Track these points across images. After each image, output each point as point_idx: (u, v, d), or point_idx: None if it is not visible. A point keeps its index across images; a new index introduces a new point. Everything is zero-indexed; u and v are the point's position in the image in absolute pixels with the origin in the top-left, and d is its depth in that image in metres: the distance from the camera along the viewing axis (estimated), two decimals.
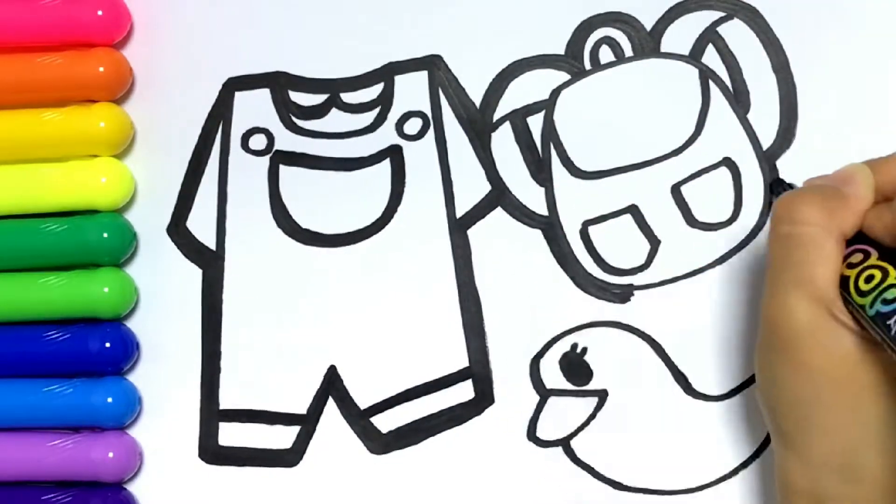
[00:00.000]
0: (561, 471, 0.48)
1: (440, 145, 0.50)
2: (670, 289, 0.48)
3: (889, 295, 0.38)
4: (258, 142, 0.51)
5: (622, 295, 0.49)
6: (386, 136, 0.50)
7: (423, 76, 0.50)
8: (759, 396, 0.42)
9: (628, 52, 0.49)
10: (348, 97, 0.51)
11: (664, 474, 0.48)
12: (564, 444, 0.49)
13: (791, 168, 0.48)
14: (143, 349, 0.51)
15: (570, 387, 0.49)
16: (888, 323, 0.37)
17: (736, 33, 0.48)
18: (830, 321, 0.39)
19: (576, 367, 0.49)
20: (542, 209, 0.49)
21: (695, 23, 0.49)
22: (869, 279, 0.39)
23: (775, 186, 0.46)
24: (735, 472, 0.48)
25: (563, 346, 0.49)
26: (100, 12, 0.50)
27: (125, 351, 0.50)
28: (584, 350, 0.49)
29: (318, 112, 0.51)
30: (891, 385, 0.38)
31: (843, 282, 0.39)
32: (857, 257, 0.40)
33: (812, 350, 0.39)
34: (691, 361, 0.48)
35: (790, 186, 0.45)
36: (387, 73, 0.50)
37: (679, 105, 0.49)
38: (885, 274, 0.38)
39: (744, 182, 0.48)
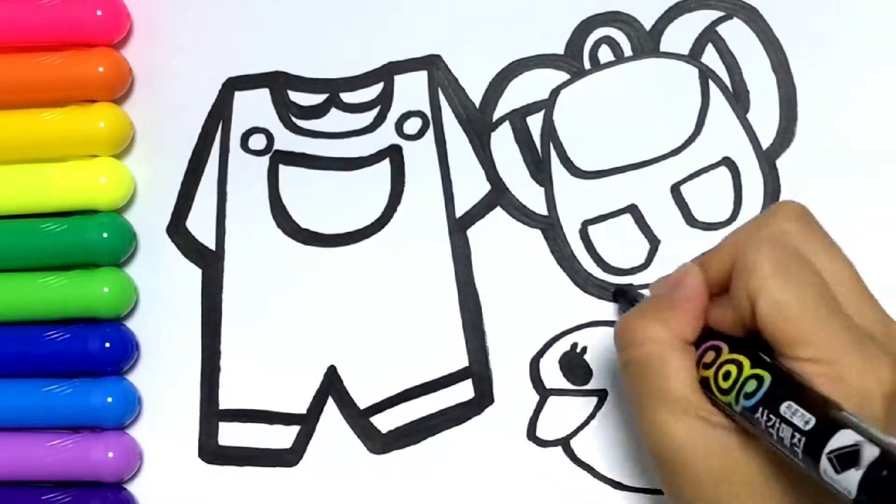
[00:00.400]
0: (561, 470, 0.48)
1: (440, 145, 0.50)
2: None
3: (749, 388, 0.37)
4: (258, 142, 0.51)
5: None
6: (385, 135, 0.50)
7: (422, 76, 0.50)
8: None
9: (628, 51, 0.49)
10: (348, 97, 0.51)
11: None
12: (564, 443, 0.49)
13: (791, 168, 0.48)
14: (142, 349, 0.51)
15: (569, 386, 0.49)
16: (756, 417, 0.36)
17: (735, 33, 0.48)
18: (703, 426, 0.38)
19: (575, 367, 0.49)
20: (541, 209, 0.49)
21: (694, 22, 0.49)
22: (726, 376, 0.38)
23: (617, 296, 0.47)
24: None
25: (562, 346, 0.49)
26: (99, 12, 0.50)
27: (125, 351, 0.50)
28: (584, 350, 0.49)
29: (317, 112, 0.51)
30: (777, 469, 0.37)
31: (704, 383, 0.39)
32: (710, 356, 0.39)
33: (696, 460, 0.38)
34: None
35: (629, 296, 0.45)
36: (386, 73, 0.50)
37: (679, 105, 0.49)
38: (740, 367, 0.38)
39: (743, 182, 0.48)
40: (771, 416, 0.36)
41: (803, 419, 0.35)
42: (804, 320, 0.37)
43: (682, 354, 0.39)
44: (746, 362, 0.38)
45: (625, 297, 0.47)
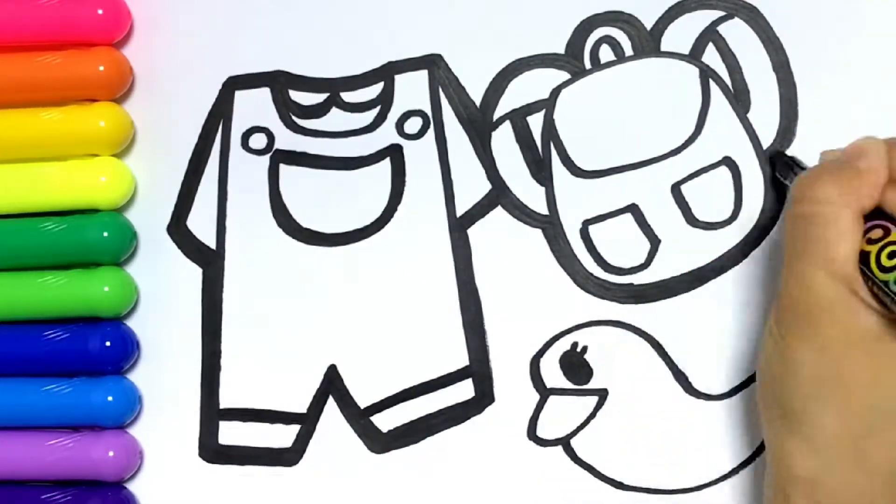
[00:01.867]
0: (561, 470, 0.48)
1: (440, 144, 0.50)
2: (670, 288, 0.48)
3: None
4: (258, 141, 0.51)
5: (622, 294, 0.49)
6: (386, 135, 0.50)
7: (423, 75, 0.50)
8: (764, 378, 0.41)
9: (628, 51, 0.49)
10: (348, 96, 0.51)
11: (664, 473, 0.48)
12: (564, 443, 0.49)
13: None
14: (143, 348, 0.51)
15: (570, 386, 0.49)
16: None
17: (736, 33, 0.48)
18: (852, 298, 0.39)
19: (576, 366, 0.49)
20: (542, 208, 0.49)
21: (695, 22, 0.49)
22: (892, 255, 0.38)
23: (777, 159, 0.46)
24: (735, 471, 0.48)
25: (563, 345, 0.49)
26: (100, 11, 0.50)
27: (125, 350, 0.50)
28: (585, 349, 0.49)
29: (318, 111, 0.51)
30: None
31: (864, 258, 0.39)
32: (877, 233, 0.40)
33: (833, 326, 0.39)
34: (691, 361, 0.48)
35: (791, 159, 0.44)
36: (387, 73, 0.50)
37: (679, 104, 0.49)
38: None
39: (744, 181, 0.48)
40: None
41: None
42: None
43: (855, 222, 0.40)
44: None
45: (783, 159, 0.46)
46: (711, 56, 0.49)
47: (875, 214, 0.40)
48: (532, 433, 0.49)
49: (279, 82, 0.51)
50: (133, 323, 0.51)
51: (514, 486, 0.49)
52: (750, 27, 0.48)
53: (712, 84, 0.49)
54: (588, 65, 0.49)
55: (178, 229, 0.51)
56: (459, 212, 0.50)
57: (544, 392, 0.49)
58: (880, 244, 0.39)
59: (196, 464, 0.50)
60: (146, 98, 0.52)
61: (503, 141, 0.50)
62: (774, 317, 0.41)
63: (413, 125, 0.50)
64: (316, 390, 0.50)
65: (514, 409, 0.49)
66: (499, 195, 0.50)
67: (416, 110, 0.50)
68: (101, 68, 0.50)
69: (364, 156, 0.50)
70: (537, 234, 0.49)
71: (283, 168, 0.51)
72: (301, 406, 0.50)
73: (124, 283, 0.50)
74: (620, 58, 0.49)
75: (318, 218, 0.50)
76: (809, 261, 0.40)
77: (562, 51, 0.50)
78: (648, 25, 0.49)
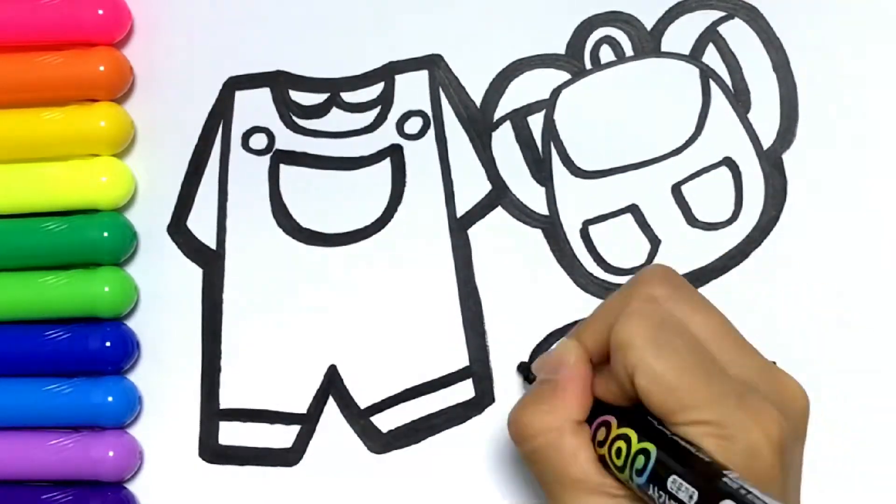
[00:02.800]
0: None
1: (440, 145, 0.50)
2: None
3: (638, 464, 0.37)
4: (259, 141, 0.51)
5: None
6: (386, 135, 0.50)
7: (423, 75, 0.50)
8: None
9: (629, 51, 0.49)
10: (349, 96, 0.51)
11: None
12: None
13: (792, 168, 0.48)
14: (143, 348, 0.51)
15: None
16: (650, 494, 0.37)
17: (736, 33, 0.49)
18: (609, 501, 0.39)
19: None
20: (542, 209, 0.49)
21: (695, 22, 0.49)
22: (618, 453, 0.38)
23: (521, 370, 0.47)
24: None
25: None
26: (100, 11, 0.50)
27: (125, 350, 0.50)
28: None
29: (318, 111, 0.51)
30: None
31: (603, 461, 0.39)
32: (602, 433, 0.39)
33: None
34: None
35: (529, 371, 0.45)
36: (387, 73, 0.50)
37: (679, 105, 0.49)
38: (629, 442, 0.38)
39: (744, 182, 0.48)
40: (661, 492, 0.36)
41: (687, 493, 0.35)
42: (684, 387, 0.37)
43: (575, 437, 0.40)
44: (634, 436, 0.38)
45: (526, 372, 0.47)
46: (712, 56, 0.49)
47: (596, 409, 0.40)
48: None
49: (279, 82, 0.51)
50: (133, 323, 0.51)
51: (515, 487, 0.49)
52: (750, 27, 0.48)
53: (713, 84, 0.49)
54: (588, 65, 0.49)
55: (178, 229, 0.51)
56: (460, 212, 0.50)
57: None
58: (607, 444, 0.39)
59: (196, 464, 0.50)
60: (147, 98, 0.52)
61: (503, 141, 0.50)
62: None
63: (413, 125, 0.50)
64: (316, 390, 0.50)
65: None
66: (499, 195, 0.50)
67: (416, 110, 0.50)
68: (102, 68, 0.50)
69: (364, 156, 0.50)
70: (537, 234, 0.49)
71: (283, 168, 0.51)
72: (301, 406, 0.50)
73: (124, 283, 0.50)
74: (621, 58, 0.49)
75: (318, 218, 0.50)
76: (560, 490, 0.39)
77: (562, 51, 0.50)
78: (649, 26, 0.49)
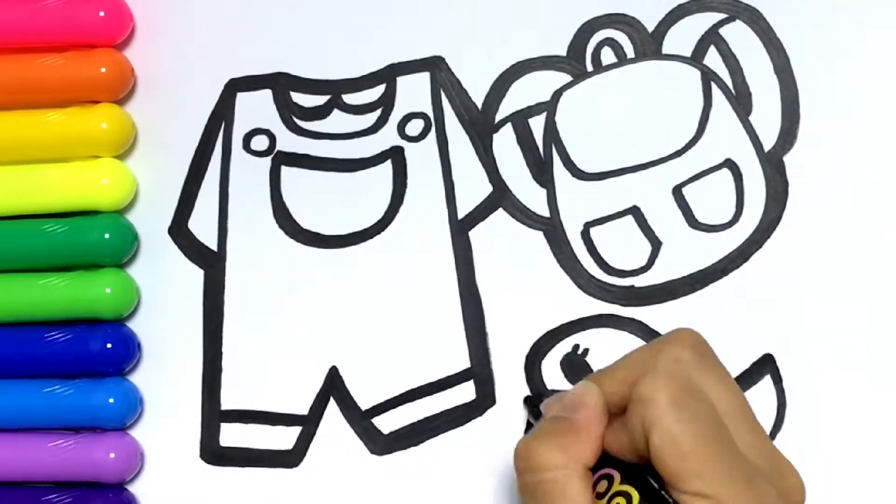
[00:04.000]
0: None
1: (442, 147, 0.50)
2: (672, 290, 0.48)
3: None
4: (260, 143, 0.51)
5: (624, 296, 0.49)
6: (388, 137, 0.50)
7: (424, 77, 0.50)
8: None
9: (630, 53, 0.49)
10: (350, 98, 0.51)
11: None
12: None
13: (793, 169, 0.48)
14: (144, 350, 0.51)
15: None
16: None
17: (738, 35, 0.49)
18: None
19: (577, 369, 0.49)
20: (543, 210, 0.49)
21: (697, 24, 0.49)
22: None
23: (527, 404, 0.46)
24: None
25: (564, 348, 0.49)
26: (102, 13, 0.50)
27: (126, 351, 0.50)
28: (586, 351, 0.49)
29: (319, 113, 0.51)
30: None
31: None
32: (603, 485, 0.39)
33: None
34: None
35: (537, 404, 0.44)
36: (389, 75, 0.50)
37: (681, 107, 0.49)
38: (629, 501, 0.38)
39: (745, 184, 0.48)
40: None
41: None
42: (697, 455, 0.37)
43: (581, 482, 0.39)
44: (636, 497, 0.38)
45: (532, 406, 0.46)
46: (713, 58, 0.49)
47: (601, 460, 0.40)
48: None
49: (281, 84, 0.51)
50: (134, 324, 0.51)
51: (515, 488, 0.49)
52: (751, 29, 0.48)
53: (714, 86, 0.49)
54: (590, 67, 0.49)
55: (179, 231, 0.51)
56: (461, 214, 0.50)
57: (546, 394, 0.49)
58: (606, 498, 0.39)
59: (197, 465, 0.50)
60: (148, 100, 0.52)
61: (505, 143, 0.50)
62: None
63: (415, 127, 0.50)
64: (317, 392, 0.50)
65: (516, 412, 0.49)
66: (500, 197, 0.50)
67: (417, 112, 0.50)
68: (103, 70, 0.50)
69: (366, 158, 0.50)
70: (538, 236, 0.49)
71: (284, 170, 0.51)
72: (302, 408, 0.50)
73: (126, 284, 0.50)
74: (622, 60, 0.49)
75: (319, 220, 0.50)
76: None
77: (563, 53, 0.50)
78: (650, 28, 0.49)
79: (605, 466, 0.40)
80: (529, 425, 0.46)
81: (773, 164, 0.48)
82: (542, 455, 0.40)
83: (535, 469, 0.40)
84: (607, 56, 0.49)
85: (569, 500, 0.39)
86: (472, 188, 0.50)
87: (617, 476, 0.39)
